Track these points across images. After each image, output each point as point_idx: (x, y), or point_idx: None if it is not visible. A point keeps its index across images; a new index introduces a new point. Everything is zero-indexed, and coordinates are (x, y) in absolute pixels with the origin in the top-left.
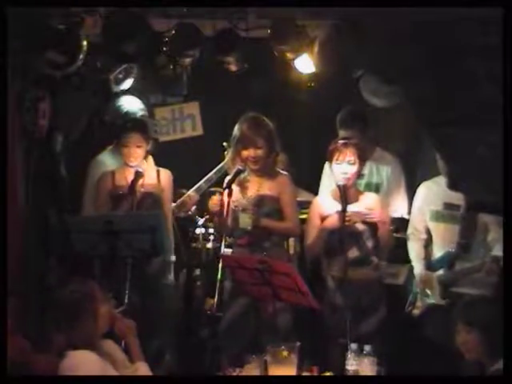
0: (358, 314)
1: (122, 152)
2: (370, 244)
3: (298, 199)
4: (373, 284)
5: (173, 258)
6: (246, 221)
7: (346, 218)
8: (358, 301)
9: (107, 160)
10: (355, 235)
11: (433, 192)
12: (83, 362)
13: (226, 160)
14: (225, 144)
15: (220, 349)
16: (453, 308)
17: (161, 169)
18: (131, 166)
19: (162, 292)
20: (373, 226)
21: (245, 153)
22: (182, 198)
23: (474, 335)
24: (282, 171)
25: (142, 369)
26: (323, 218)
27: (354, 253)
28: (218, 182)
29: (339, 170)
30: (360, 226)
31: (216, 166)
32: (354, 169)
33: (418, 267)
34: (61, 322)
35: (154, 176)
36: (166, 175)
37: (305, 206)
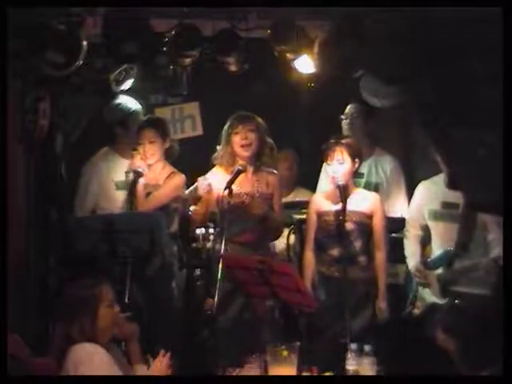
0: (343, 311)
1: (139, 152)
2: (357, 244)
3: (298, 199)
4: (358, 283)
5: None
6: (258, 206)
7: (340, 217)
8: (341, 299)
9: (100, 162)
10: (343, 234)
11: (431, 191)
12: (92, 353)
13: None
14: (218, 147)
15: (220, 349)
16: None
17: (174, 172)
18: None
19: (163, 292)
20: (363, 227)
21: (236, 138)
22: (195, 184)
23: (449, 344)
24: (272, 170)
25: (141, 372)
26: (318, 215)
27: (339, 251)
28: None
29: (330, 170)
30: (350, 226)
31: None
32: (344, 168)
33: (412, 263)
34: (69, 319)
35: (164, 178)
36: (173, 178)
37: (305, 205)
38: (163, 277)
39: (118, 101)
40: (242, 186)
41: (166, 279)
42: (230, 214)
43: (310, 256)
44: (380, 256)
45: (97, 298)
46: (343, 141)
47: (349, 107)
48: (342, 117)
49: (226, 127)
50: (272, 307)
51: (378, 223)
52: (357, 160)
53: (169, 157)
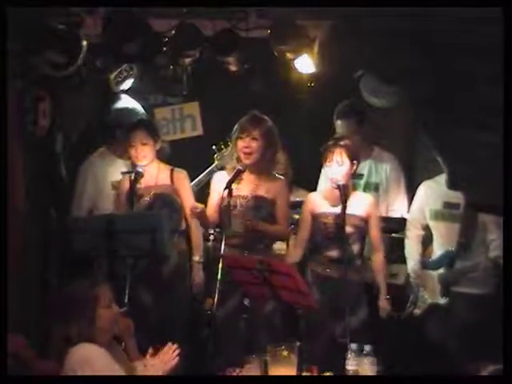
0: (336, 311)
1: (130, 153)
2: (355, 247)
3: (297, 199)
4: (353, 285)
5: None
6: (237, 225)
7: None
8: (336, 299)
9: (97, 162)
10: (343, 237)
11: (433, 191)
12: (90, 355)
13: (216, 162)
14: (214, 147)
15: (220, 349)
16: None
17: (175, 169)
18: (140, 166)
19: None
20: (361, 230)
21: (240, 143)
22: None
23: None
24: (278, 175)
25: (141, 368)
26: (314, 216)
27: (337, 252)
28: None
29: (329, 171)
30: (348, 229)
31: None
32: (344, 170)
33: (412, 264)
34: (67, 320)
35: (166, 176)
36: (179, 175)
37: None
38: (179, 277)
39: (125, 105)
40: (240, 188)
41: (181, 279)
42: (229, 219)
43: (297, 252)
44: (378, 257)
45: (94, 299)
46: (342, 142)
47: (347, 101)
48: (340, 108)
49: (234, 128)
50: (273, 310)
51: (374, 225)
52: (355, 162)
53: (162, 157)
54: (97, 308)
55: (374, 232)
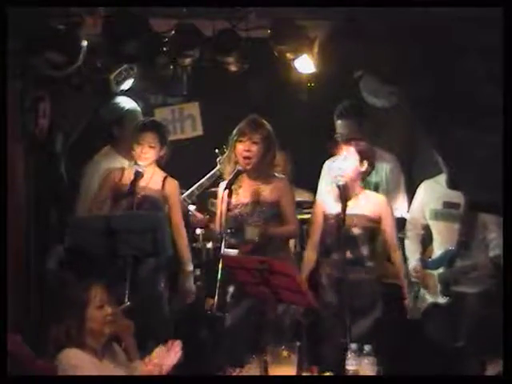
0: (351, 313)
1: (134, 150)
2: (365, 248)
3: (298, 199)
4: (367, 285)
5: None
6: (252, 233)
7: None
8: (351, 300)
9: (102, 161)
10: (351, 239)
11: (433, 191)
12: (74, 360)
13: (218, 166)
14: (217, 151)
15: (220, 349)
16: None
17: (168, 177)
18: (140, 166)
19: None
20: (370, 231)
21: (239, 147)
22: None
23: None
24: (278, 175)
25: (141, 368)
26: (326, 217)
27: (348, 254)
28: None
29: (334, 166)
30: (356, 231)
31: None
32: (349, 165)
33: (412, 263)
34: (57, 322)
35: (158, 181)
36: (171, 183)
37: (305, 206)
38: (155, 278)
39: (114, 100)
40: (241, 194)
41: (156, 280)
42: (229, 221)
43: (311, 256)
44: (397, 255)
45: (84, 301)
46: (349, 138)
47: (347, 100)
48: (340, 108)
49: (234, 131)
50: (284, 311)
51: (388, 226)
52: (365, 162)
53: (160, 163)
54: (87, 309)
55: (390, 232)
